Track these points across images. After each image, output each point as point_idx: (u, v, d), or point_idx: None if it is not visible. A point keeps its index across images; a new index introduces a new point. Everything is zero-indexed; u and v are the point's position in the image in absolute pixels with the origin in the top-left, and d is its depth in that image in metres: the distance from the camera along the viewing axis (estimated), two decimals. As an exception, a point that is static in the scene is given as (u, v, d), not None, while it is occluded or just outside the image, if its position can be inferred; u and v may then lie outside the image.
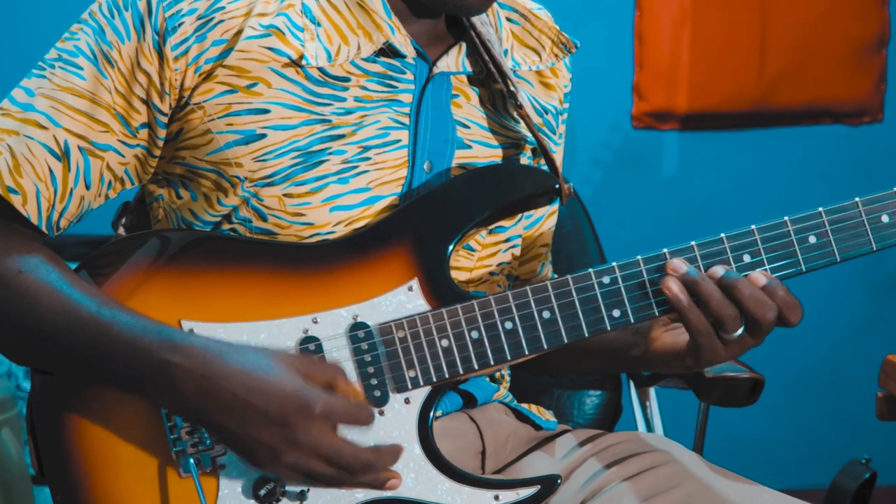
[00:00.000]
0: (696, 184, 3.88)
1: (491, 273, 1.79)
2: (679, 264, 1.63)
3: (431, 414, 1.64)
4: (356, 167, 1.68)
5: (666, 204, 3.85)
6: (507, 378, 1.89)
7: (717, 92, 3.83)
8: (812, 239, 1.66)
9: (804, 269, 1.66)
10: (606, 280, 1.65)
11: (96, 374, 1.59)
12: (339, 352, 1.63)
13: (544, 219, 1.89)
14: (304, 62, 1.66)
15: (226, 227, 1.68)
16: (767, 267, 1.65)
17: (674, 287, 1.62)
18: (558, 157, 1.89)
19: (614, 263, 1.65)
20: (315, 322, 1.63)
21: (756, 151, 3.89)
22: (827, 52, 3.85)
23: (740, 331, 1.63)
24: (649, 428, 2.32)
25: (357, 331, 1.63)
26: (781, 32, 3.82)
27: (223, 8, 1.66)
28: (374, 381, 1.63)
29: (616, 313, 1.65)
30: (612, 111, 3.82)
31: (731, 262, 1.65)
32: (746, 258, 1.66)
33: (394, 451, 1.57)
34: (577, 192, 2.44)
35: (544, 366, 1.89)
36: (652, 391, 2.31)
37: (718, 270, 1.63)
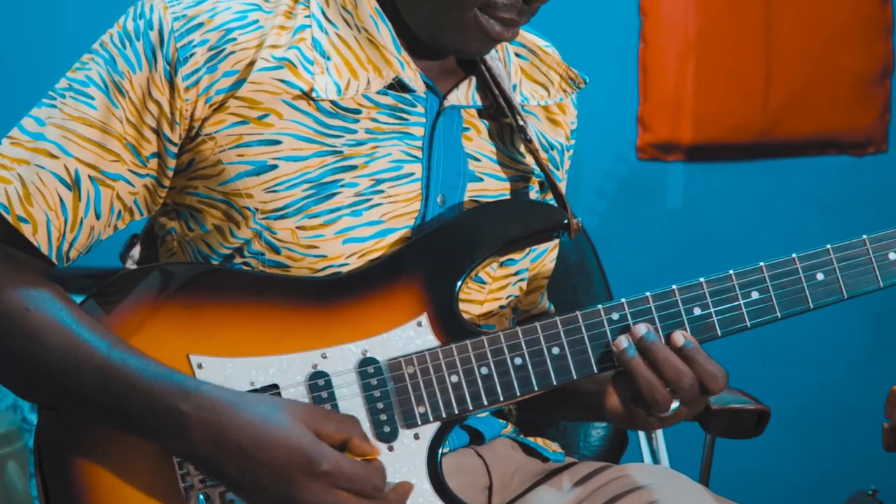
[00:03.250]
0: (701, 215, 3.88)
1: (501, 306, 1.79)
2: (638, 329, 1.64)
3: (440, 450, 1.63)
4: (369, 200, 1.68)
5: (671, 235, 3.85)
6: (515, 413, 1.89)
7: (722, 123, 3.83)
8: (820, 276, 1.68)
9: (811, 305, 1.68)
10: (615, 316, 1.66)
11: (104, 416, 1.59)
12: (348, 387, 1.63)
13: (548, 252, 1.90)
14: (314, 95, 1.66)
15: (238, 260, 1.68)
16: (776, 303, 1.66)
17: (622, 343, 1.64)
18: (564, 192, 1.89)
19: (623, 300, 1.66)
20: (324, 357, 1.63)
21: (761, 182, 3.89)
22: (831, 82, 3.86)
23: (674, 406, 1.65)
24: (655, 459, 2.32)
25: (366, 366, 1.63)
26: (786, 63, 3.83)
27: (235, 39, 1.66)
28: (383, 417, 1.63)
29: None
30: (617, 142, 3.82)
31: (740, 298, 1.66)
32: (755, 295, 1.67)
33: (401, 494, 1.57)
34: (583, 223, 2.44)
35: (541, 405, 1.89)
36: (657, 423, 2.30)
37: (640, 329, 1.64)
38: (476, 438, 1.79)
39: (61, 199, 1.64)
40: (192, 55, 1.65)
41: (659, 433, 2.31)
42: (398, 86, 1.71)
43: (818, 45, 3.84)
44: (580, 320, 1.65)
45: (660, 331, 1.65)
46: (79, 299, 1.68)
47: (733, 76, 3.82)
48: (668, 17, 3.80)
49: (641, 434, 2.32)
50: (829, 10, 3.83)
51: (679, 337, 1.64)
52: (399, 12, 1.70)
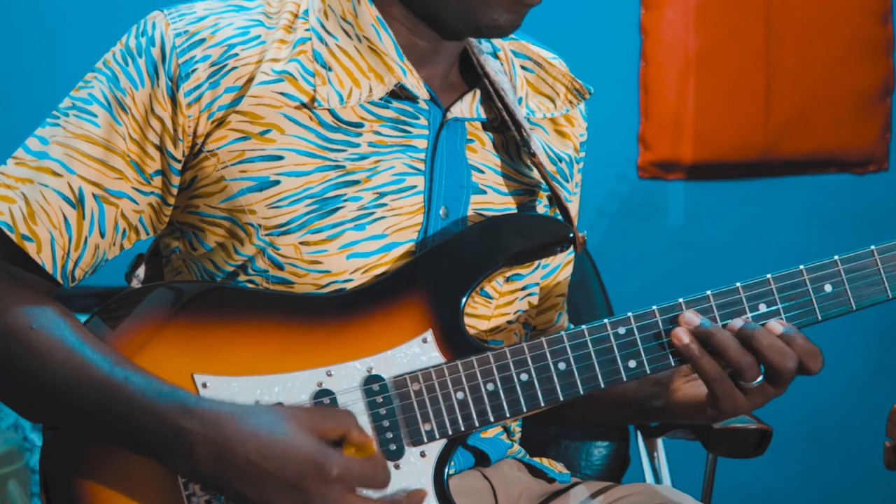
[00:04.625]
0: (702, 233, 3.88)
1: (509, 321, 1.78)
2: (692, 317, 1.63)
3: (447, 468, 1.63)
4: (372, 213, 1.68)
5: (672, 254, 3.85)
6: (519, 431, 1.88)
7: (723, 141, 3.83)
8: (828, 287, 1.67)
9: (820, 318, 1.68)
10: (622, 331, 1.65)
11: (107, 435, 1.58)
12: (353, 405, 1.62)
13: (560, 268, 1.89)
14: (315, 104, 1.66)
15: (242, 278, 1.68)
16: (784, 316, 1.66)
17: (684, 338, 1.62)
18: (573, 205, 1.88)
19: (630, 314, 1.66)
20: (329, 375, 1.63)
21: (762, 201, 3.89)
22: (832, 101, 3.86)
23: (759, 379, 1.64)
24: (657, 479, 2.31)
25: (372, 384, 1.63)
26: (787, 82, 3.83)
27: (236, 55, 1.66)
28: (389, 435, 1.62)
29: (632, 364, 1.65)
30: (618, 161, 3.82)
31: (748, 311, 1.66)
32: (762, 307, 1.67)
33: (415, 500, 1.57)
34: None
35: (558, 417, 1.89)
36: (660, 442, 2.30)
37: (738, 322, 1.63)
38: (482, 460, 1.79)
39: (65, 218, 1.64)
40: (193, 71, 1.65)
41: (661, 452, 2.31)
42: (400, 93, 1.70)
43: (819, 63, 3.84)
44: (586, 335, 1.65)
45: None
46: (83, 318, 1.68)
47: (734, 95, 3.82)
48: (669, 36, 3.80)
49: (643, 452, 2.31)
50: (830, 29, 3.83)
51: (777, 325, 1.63)
52: (402, 23, 1.70)
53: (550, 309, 1.90)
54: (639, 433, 2.32)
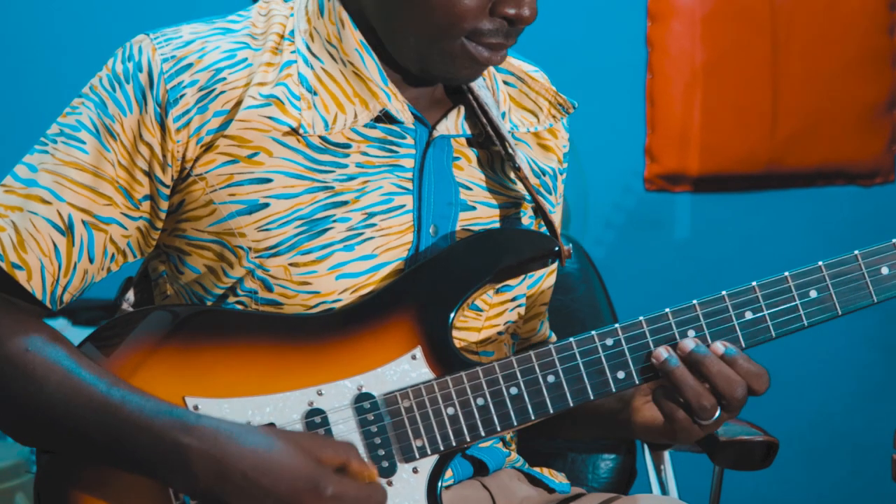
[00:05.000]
0: (709, 246, 3.88)
1: (499, 332, 1.78)
2: (660, 352, 1.65)
3: (440, 483, 1.63)
4: (361, 234, 1.68)
5: (679, 266, 3.85)
6: (515, 440, 1.89)
7: (730, 154, 3.83)
8: (813, 293, 1.69)
9: (806, 323, 1.69)
10: (610, 342, 1.66)
11: (106, 456, 1.58)
12: (344, 423, 1.62)
13: (544, 278, 1.89)
14: (301, 131, 1.66)
15: (231, 300, 1.68)
16: (770, 323, 1.67)
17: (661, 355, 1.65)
18: (556, 217, 1.89)
19: (617, 325, 1.67)
20: (320, 394, 1.63)
21: (769, 213, 3.89)
22: (839, 113, 3.86)
23: (716, 416, 1.65)
24: (664, 491, 2.31)
25: (362, 401, 1.63)
26: (793, 94, 3.83)
27: (224, 79, 1.66)
28: (381, 452, 1.62)
29: (621, 375, 1.66)
30: (625, 173, 3.83)
31: (734, 318, 1.67)
32: (749, 315, 1.68)
33: None
34: (590, 254, 2.44)
35: (547, 429, 1.89)
36: (666, 454, 2.30)
37: (689, 344, 1.65)
38: (480, 469, 1.79)
39: (55, 245, 1.64)
40: (182, 96, 1.65)
41: (668, 465, 2.30)
42: (386, 118, 1.71)
43: (825, 75, 3.85)
44: (574, 347, 1.66)
45: (708, 338, 1.66)
46: (87, 331, 1.68)
47: (740, 107, 3.82)
48: (675, 48, 3.81)
49: (650, 465, 2.31)
50: (836, 41, 3.84)
51: (720, 346, 1.65)
52: (384, 45, 1.69)
53: (534, 318, 1.91)
54: (645, 446, 2.32)
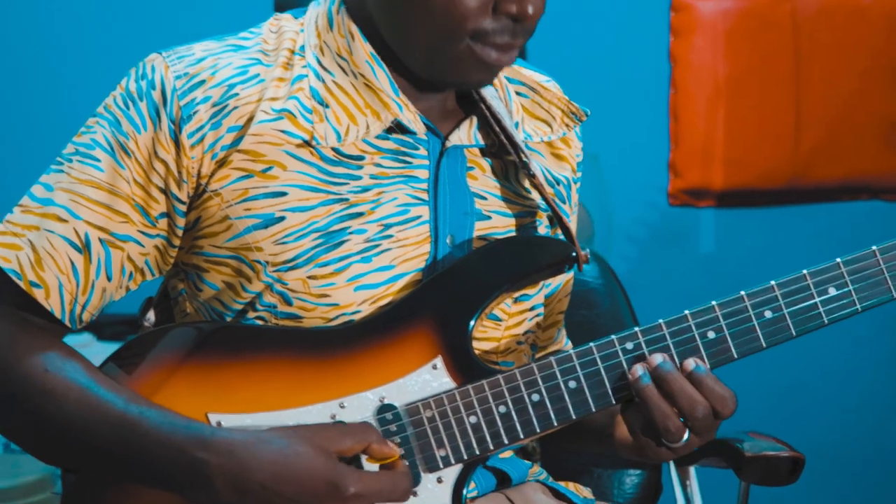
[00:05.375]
0: (733, 260, 3.87)
1: (518, 342, 1.78)
2: (654, 358, 1.64)
3: (465, 491, 1.63)
4: (378, 245, 1.68)
5: (703, 281, 3.84)
6: (538, 450, 1.89)
7: (753, 168, 3.83)
8: (832, 290, 1.70)
9: (826, 321, 1.69)
10: (630, 346, 1.66)
11: (126, 472, 1.59)
12: None
13: (562, 286, 1.89)
14: (314, 143, 1.66)
15: (251, 315, 1.68)
16: (790, 321, 1.68)
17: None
18: (572, 225, 1.89)
19: (637, 328, 1.66)
20: (342, 407, 1.63)
21: (793, 228, 3.89)
22: (862, 126, 3.85)
23: (683, 440, 1.64)
24: (689, 507, 2.31)
25: (385, 413, 1.63)
26: (816, 108, 3.83)
27: (237, 95, 1.66)
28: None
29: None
30: (648, 188, 3.83)
31: (754, 318, 1.67)
32: (768, 314, 1.68)
33: None
34: (614, 269, 2.44)
35: (564, 438, 1.89)
36: (692, 470, 2.30)
37: (656, 359, 1.64)
38: (503, 481, 1.79)
39: (72, 263, 1.65)
40: (195, 112, 1.65)
41: (693, 481, 2.30)
42: (398, 128, 1.71)
43: (848, 89, 3.84)
44: (595, 352, 1.65)
45: (675, 358, 1.65)
46: (113, 346, 1.68)
47: (763, 121, 3.82)
48: (698, 63, 3.81)
49: (675, 480, 2.31)
50: (859, 55, 3.83)
51: (690, 362, 1.64)
52: (395, 55, 1.69)
53: (551, 326, 1.91)
54: (671, 462, 2.32)
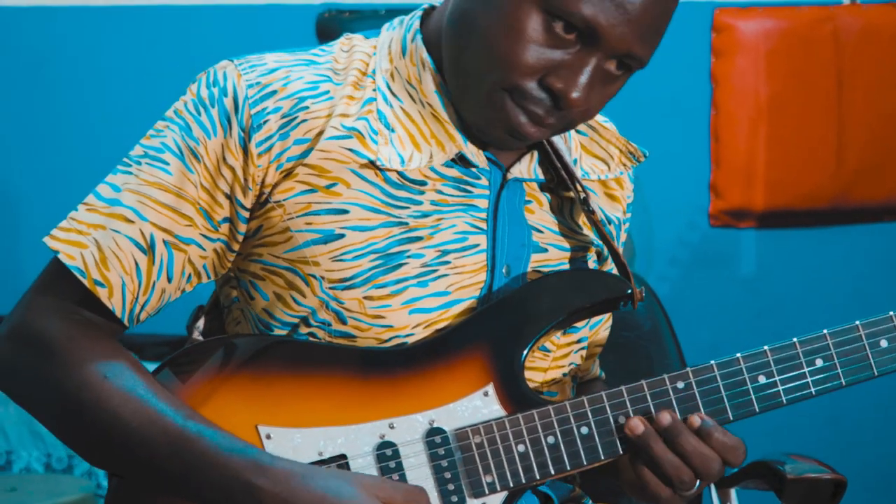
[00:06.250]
0: (774, 282, 3.86)
1: (563, 374, 1.79)
2: (637, 423, 1.65)
3: None
4: (436, 271, 1.69)
5: (744, 302, 3.83)
6: (579, 478, 1.89)
7: (795, 189, 3.82)
8: (884, 343, 1.70)
9: (876, 373, 1.71)
10: (681, 385, 1.67)
11: (176, 488, 1.60)
12: (415, 457, 1.64)
13: (604, 321, 1.89)
14: (378, 164, 1.67)
15: (304, 330, 1.69)
16: (840, 370, 1.69)
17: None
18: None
19: (688, 368, 1.68)
20: (392, 427, 1.64)
21: (835, 249, 3.87)
22: (905, 147, 3.84)
23: (697, 484, 1.66)
24: (731, 532, 2.29)
25: (433, 436, 1.64)
26: (858, 128, 3.82)
27: (307, 108, 1.67)
28: (450, 487, 1.63)
29: None
30: (690, 209, 3.82)
31: (805, 366, 1.68)
32: (819, 362, 1.69)
33: None
34: (655, 290, 2.44)
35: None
36: (733, 493, 2.29)
37: (665, 418, 1.65)
38: (546, 502, 1.79)
39: (136, 263, 1.66)
40: (265, 122, 1.66)
41: (734, 503, 2.29)
42: (461, 161, 1.71)
43: (891, 109, 3.83)
44: (646, 389, 1.67)
45: (677, 414, 1.66)
46: (153, 367, 1.70)
47: (805, 142, 3.81)
48: (739, 83, 3.80)
49: (716, 503, 2.30)
50: (901, 74, 3.82)
51: (696, 418, 1.65)
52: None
53: (589, 358, 1.91)
54: (712, 484, 2.31)
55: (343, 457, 1.63)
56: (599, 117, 1.84)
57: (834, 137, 3.81)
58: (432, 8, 1.76)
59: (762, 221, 3.82)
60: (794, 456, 2.22)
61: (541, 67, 1.61)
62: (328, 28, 2.50)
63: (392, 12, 2.49)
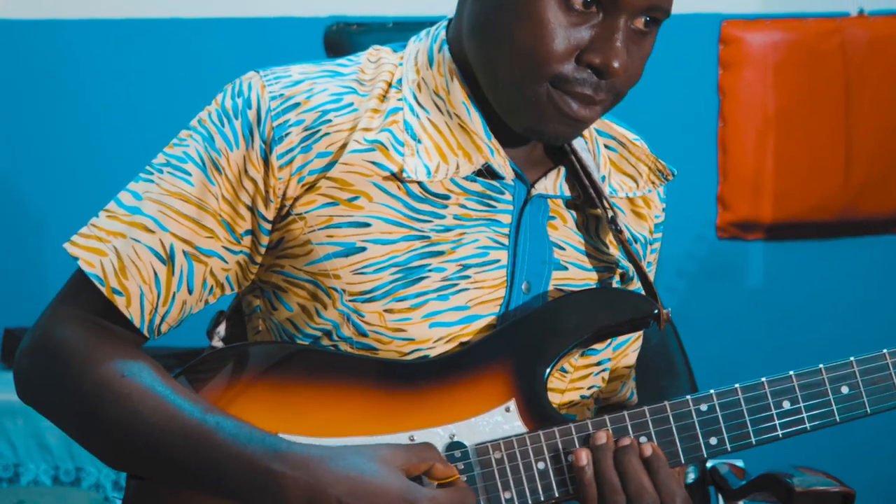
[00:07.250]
0: (782, 294, 3.85)
1: (582, 396, 1.79)
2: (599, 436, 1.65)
3: None
4: (456, 285, 1.69)
5: (752, 314, 3.83)
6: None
7: (803, 201, 3.82)
8: None
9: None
10: (704, 407, 1.66)
11: (198, 482, 1.60)
12: None
13: (631, 341, 1.88)
14: (404, 175, 1.67)
15: (326, 342, 1.69)
16: (865, 399, 1.68)
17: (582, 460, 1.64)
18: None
19: (712, 391, 1.67)
20: (411, 440, 1.64)
21: (843, 261, 3.87)
22: (913, 159, 3.84)
23: None
24: (743, 543, 2.29)
25: (453, 450, 1.64)
26: (866, 140, 3.82)
27: (330, 121, 1.67)
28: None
29: (713, 441, 1.66)
30: (697, 221, 3.82)
31: (830, 392, 1.68)
32: (844, 390, 1.68)
33: None
34: (663, 303, 2.43)
35: None
36: (742, 505, 2.29)
37: (624, 441, 1.64)
38: None
39: (155, 273, 1.66)
40: (287, 134, 1.66)
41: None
42: (487, 172, 1.71)
43: (898, 121, 3.83)
44: (668, 410, 1.66)
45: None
46: (168, 375, 1.69)
47: (813, 154, 3.81)
48: (747, 95, 3.80)
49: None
50: (909, 86, 3.82)
51: (647, 447, 1.64)
52: (489, 104, 1.70)
53: (616, 380, 1.90)
54: (720, 497, 2.31)
55: (366, 446, 1.62)
56: (630, 134, 1.83)
57: (842, 149, 3.81)
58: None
59: (770, 233, 3.82)
60: (802, 468, 2.22)
61: (573, 48, 1.61)
62: (336, 41, 2.51)
63: (400, 25, 2.50)
